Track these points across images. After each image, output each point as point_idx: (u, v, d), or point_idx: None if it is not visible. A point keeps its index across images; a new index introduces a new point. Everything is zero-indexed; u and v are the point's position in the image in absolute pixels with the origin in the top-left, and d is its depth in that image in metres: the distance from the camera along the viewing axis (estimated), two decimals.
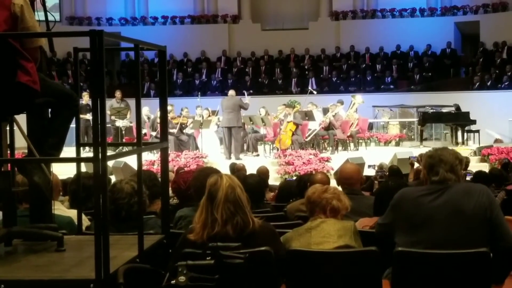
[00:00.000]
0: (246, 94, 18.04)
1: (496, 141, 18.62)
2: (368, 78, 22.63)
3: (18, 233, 3.64)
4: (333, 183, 5.92)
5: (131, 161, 10.96)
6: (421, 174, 4.28)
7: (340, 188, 5.09)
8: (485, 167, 13.35)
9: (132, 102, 16.05)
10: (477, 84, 21.38)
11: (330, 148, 16.86)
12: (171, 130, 15.85)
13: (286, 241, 4.05)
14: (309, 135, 16.90)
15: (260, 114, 17.04)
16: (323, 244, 3.97)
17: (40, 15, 3.71)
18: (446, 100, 19.54)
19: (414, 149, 15.55)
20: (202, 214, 3.59)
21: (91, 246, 3.01)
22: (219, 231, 3.50)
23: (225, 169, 9.11)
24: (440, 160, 3.89)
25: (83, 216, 4.29)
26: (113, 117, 17.20)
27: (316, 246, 3.96)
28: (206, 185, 3.65)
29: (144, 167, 10.61)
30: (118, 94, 17.60)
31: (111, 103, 17.21)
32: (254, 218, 3.64)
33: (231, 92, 16.43)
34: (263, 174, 9.12)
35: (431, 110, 18.56)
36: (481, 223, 3.76)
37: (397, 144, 18.49)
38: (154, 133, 15.93)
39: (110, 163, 11.55)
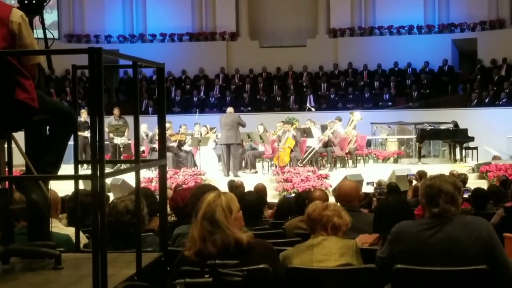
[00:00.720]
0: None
1: (494, 158, 18.62)
2: (366, 95, 22.66)
3: (16, 251, 3.62)
4: (331, 200, 5.90)
5: (129, 178, 10.93)
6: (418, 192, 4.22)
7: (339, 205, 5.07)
8: (484, 184, 13.34)
9: (130, 119, 16.00)
10: (475, 101, 21.44)
11: (329, 165, 16.85)
12: (170, 144, 15.81)
13: (286, 258, 4.03)
14: (307, 155, 16.86)
15: (258, 131, 17.04)
16: (325, 261, 3.95)
17: (38, 33, 3.72)
18: (444, 117, 19.56)
19: (412, 166, 15.52)
20: (192, 230, 3.60)
21: (89, 264, 3.00)
22: (201, 248, 3.49)
23: (223, 186, 9.07)
24: (439, 190, 3.78)
25: (81, 234, 4.28)
26: (111, 135, 17.18)
27: (318, 264, 3.94)
28: None
29: (142, 184, 10.59)
30: (116, 111, 17.59)
31: (109, 121, 17.23)
32: (244, 234, 3.59)
33: (230, 109, 16.42)
34: (260, 191, 9.09)
35: (429, 127, 18.56)
36: (480, 259, 3.68)
37: (396, 161, 18.46)
38: (155, 146, 15.75)
39: (108, 181, 11.53)
